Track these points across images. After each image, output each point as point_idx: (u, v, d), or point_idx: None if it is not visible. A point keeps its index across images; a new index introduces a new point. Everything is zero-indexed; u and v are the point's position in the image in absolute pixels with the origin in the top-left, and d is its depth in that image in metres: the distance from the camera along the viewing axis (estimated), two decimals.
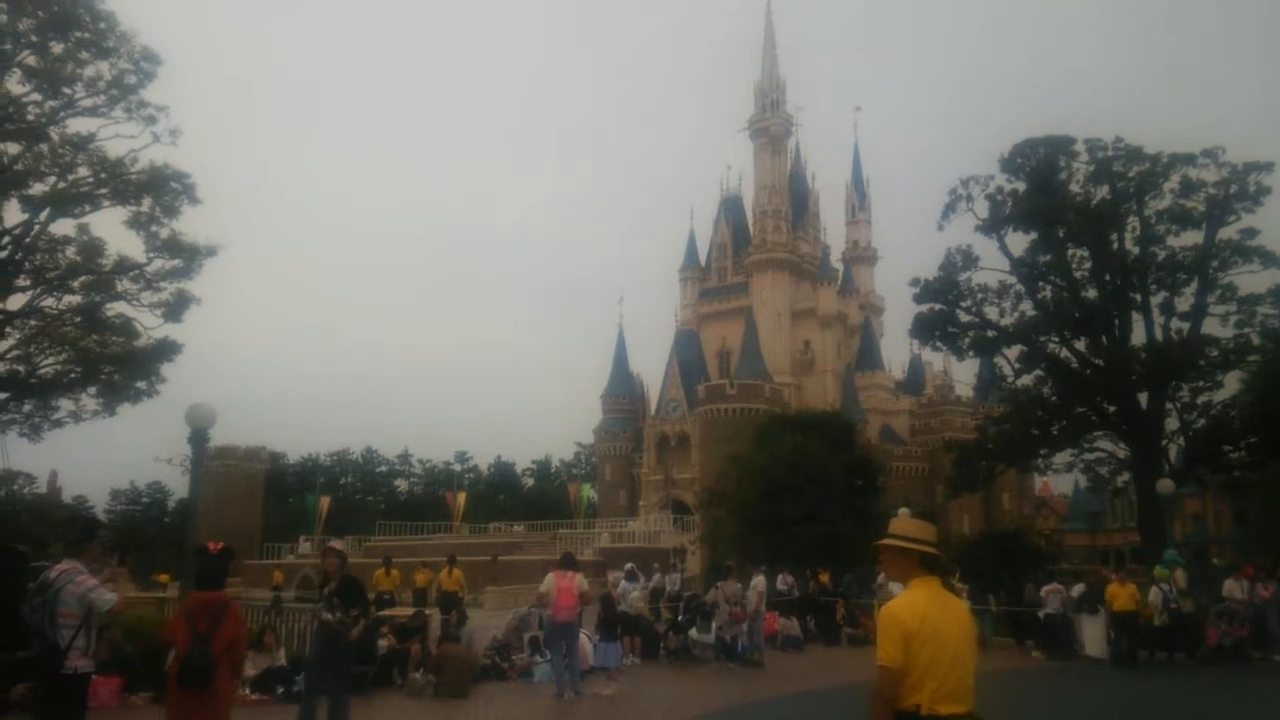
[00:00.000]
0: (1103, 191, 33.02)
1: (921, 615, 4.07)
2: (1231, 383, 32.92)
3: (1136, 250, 32.70)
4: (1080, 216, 32.09)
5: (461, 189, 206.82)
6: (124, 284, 26.99)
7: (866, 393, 78.38)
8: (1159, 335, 32.30)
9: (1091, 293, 33.11)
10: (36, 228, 25.59)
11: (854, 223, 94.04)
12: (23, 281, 25.99)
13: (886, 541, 4.40)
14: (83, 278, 26.48)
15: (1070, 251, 33.25)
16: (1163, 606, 18.81)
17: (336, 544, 10.89)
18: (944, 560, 4.37)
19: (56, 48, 24.59)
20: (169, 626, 7.20)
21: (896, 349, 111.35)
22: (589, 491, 77.80)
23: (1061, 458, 37.13)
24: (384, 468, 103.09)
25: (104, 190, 25.97)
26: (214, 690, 6.68)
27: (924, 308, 35.00)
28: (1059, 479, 76.17)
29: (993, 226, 33.90)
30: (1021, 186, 33.60)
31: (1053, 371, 33.77)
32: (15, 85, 24.75)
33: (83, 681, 6.65)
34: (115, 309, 27.50)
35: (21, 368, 26.77)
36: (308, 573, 53.73)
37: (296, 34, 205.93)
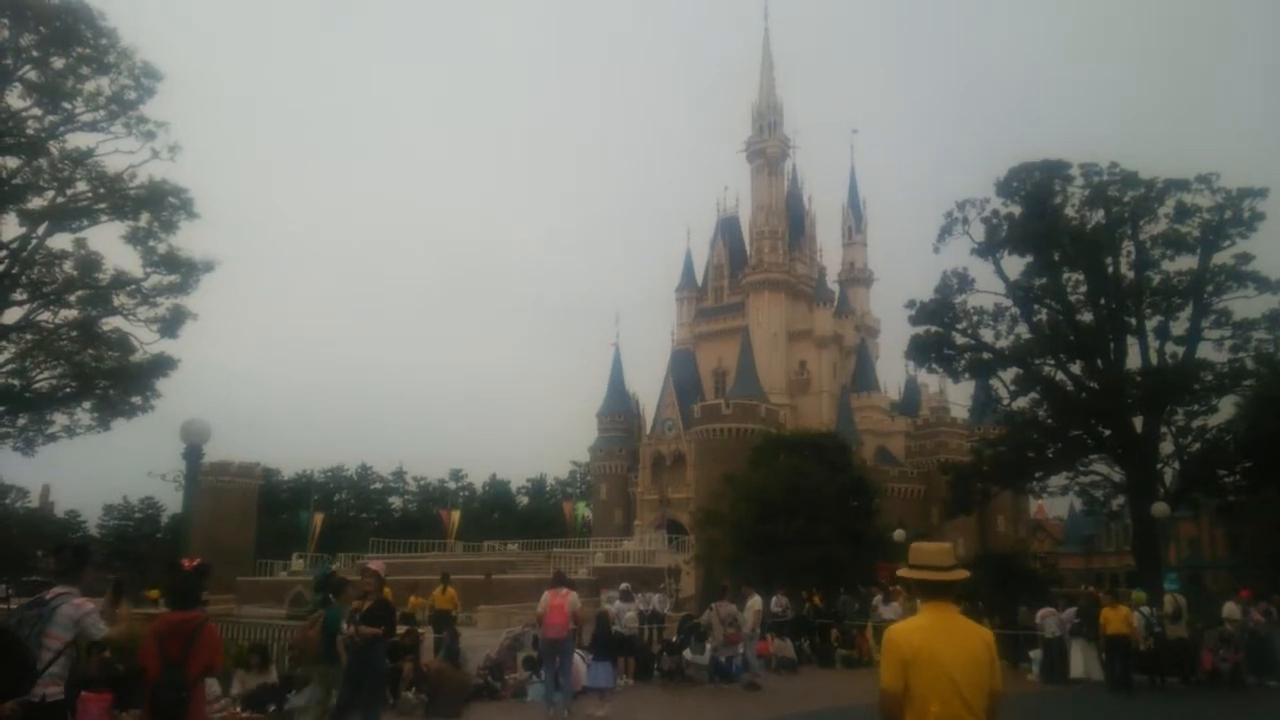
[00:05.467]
0: (1098, 216, 33.17)
1: (919, 641, 4.09)
2: (1226, 407, 32.99)
3: (1131, 274, 32.81)
4: (1075, 240, 32.23)
5: (460, 207, 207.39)
6: (121, 299, 26.96)
7: (862, 414, 78.40)
8: (1154, 359, 32.36)
9: (1087, 316, 33.21)
10: (34, 242, 25.59)
11: (850, 244, 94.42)
12: (19, 295, 25.96)
13: (900, 573, 4.56)
14: (79, 292, 26.46)
15: (1066, 275, 33.36)
16: (1146, 631, 18.79)
17: (375, 565, 10.71)
18: (946, 584, 4.32)
19: (57, 63, 24.67)
20: (141, 650, 6.64)
21: (892, 370, 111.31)
22: (584, 510, 77.63)
23: (1057, 480, 37.12)
24: (378, 485, 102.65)
25: (102, 205, 26.00)
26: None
27: (920, 330, 35.07)
28: (1054, 502, 76.39)
29: (988, 250, 34.03)
30: (1017, 210, 33.73)
31: (1048, 394, 33.81)
32: (15, 100, 24.81)
33: (54, 710, 6.18)
34: (111, 324, 27.47)
35: (17, 381, 26.68)
36: (300, 590, 53.50)
37: (299, 50, 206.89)
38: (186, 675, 6.36)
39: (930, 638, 4.12)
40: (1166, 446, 33.20)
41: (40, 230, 25.53)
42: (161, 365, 27.68)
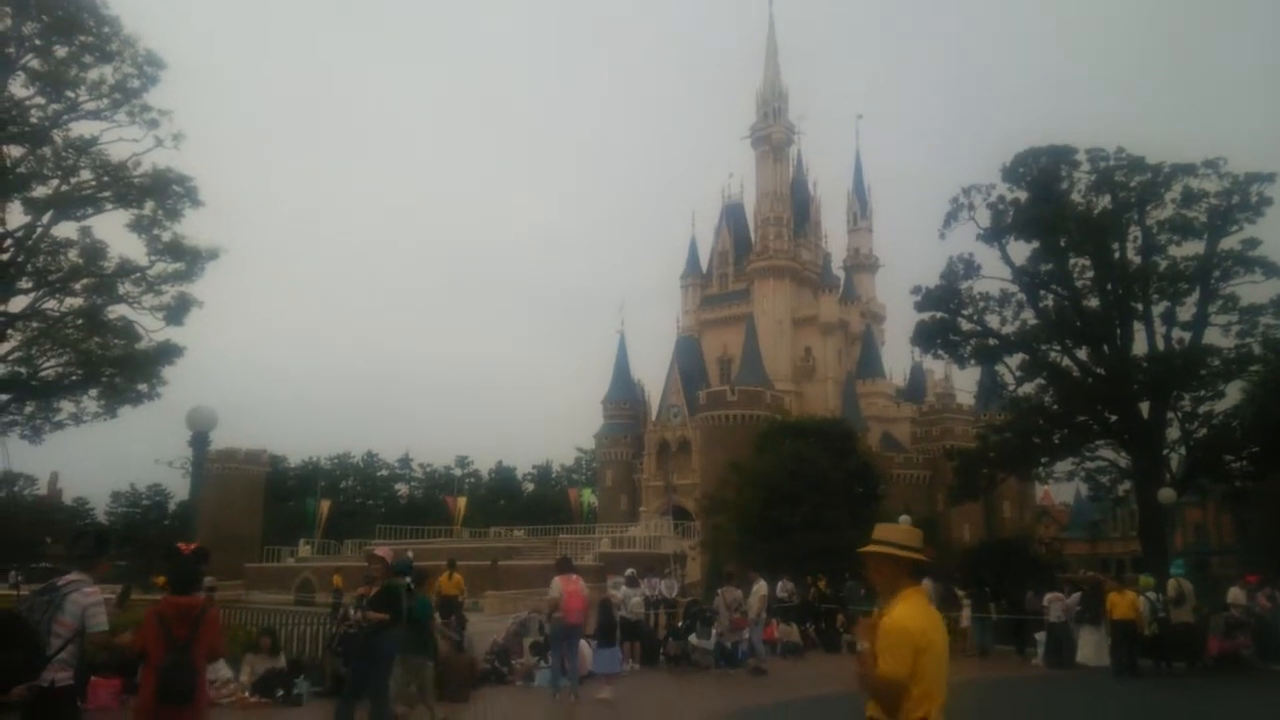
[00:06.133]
0: (1104, 201, 33.03)
1: (924, 628, 4.01)
2: (1233, 393, 32.89)
3: (1138, 260, 32.69)
4: (1082, 226, 32.10)
5: (465, 196, 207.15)
6: (126, 287, 26.95)
7: (867, 400, 78.39)
8: (1160, 345, 32.28)
9: (1093, 302, 33.10)
10: (39, 230, 25.59)
11: (855, 230, 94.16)
12: (25, 284, 25.97)
13: (877, 549, 4.22)
14: (85, 280, 26.46)
15: (1072, 261, 33.24)
16: (1150, 616, 18.82)
17: (382, 551, 10.68)
18: (932, 567, 4.32)
19: (60, 51, 24.60)
20: (140, 633, 6.53)
21: (898, 357, 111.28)
22: (590, 496, 77.82)
23: (1063, 466, 37.03)
24: (385, 472, 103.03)
25: (106, 193, 25.96)
26: (195, 704, 6.33)
27: (925, 315, 35.00)
28: (1060, 487, 76.39)
29: (994, 235, 33.90)
30: (1023, 195, 33.60)
31: (1054, 380, 33.74)
32: (19, 88, 24.76)
33: (63, 694, 6.16)
34: (117, 312, 27.45)
35: (23, 370, 26.73)
36: (307, 576, 53.76)
37: (302, 40, 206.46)
38: (193, 659, 6.35)
39: (930, 624, 4.05)
40: (1173, 432, 33.15)
41: (45, 219, 25.52)
42: (167, 353, 27.69)
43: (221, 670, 13.39)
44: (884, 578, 4.21)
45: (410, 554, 13.19)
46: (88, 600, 6.27)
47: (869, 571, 4.34)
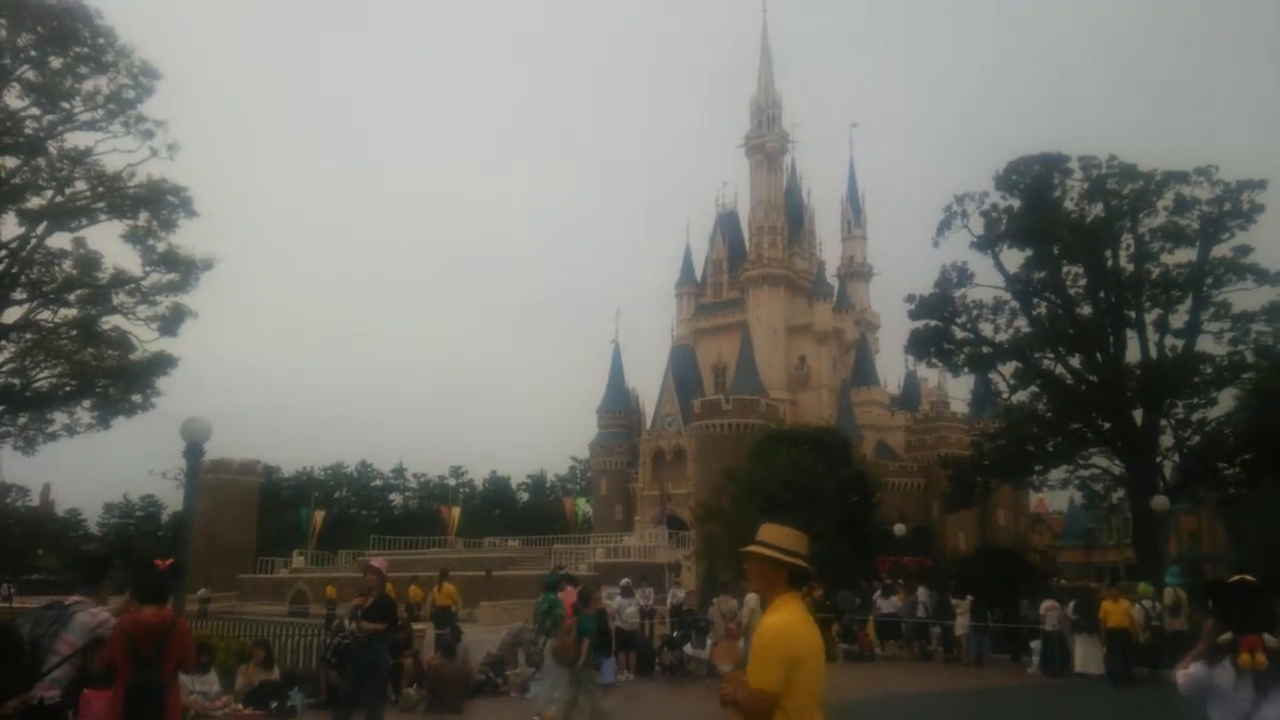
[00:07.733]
0: (1097, 209, 33.16)
1: (800, 637, 3.76)
2: (1226, 400, 33.01)
3: (1131, 267, 32.82)
4: (1074, 234, 32.23)
5: (458, 204, 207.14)
6: (120, 297, 26.97)
7: (862, 408, 78.41)
8: (1153, 352, 32.39)
9: (1086, 309, 33.23)
10: (34, 241, 25.60)
11: (850, 239, 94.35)
12: (19, 295, 25.98)
13: (755, 550, 3.96)
14: (79, 291, 26.46)
15: (1065, 268, 33.38)
16: (1145, 624, 18.84)
17: (377, 562, 10.72)
18: (813, 574, 4.13)
19: (55, 62, 24.66)
20: (109, 648, 6.40)
21: (892, 365, 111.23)
22: (584, 506, 77.64)
23: (1057, 474, 37.16)
24: (379, 482, 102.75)
25: (101, 204, 26.00)
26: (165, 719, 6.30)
27: (919, 324, 35.10)
28: (1054, 495, 76.27)
29: (988, 243, 34.03)
30: (1016, 204, 33.74)
31: (1048, 388, 33.85)
32: (14, 99, 24.82)
33: (51, 713, 6.18)
34: (111, 322, 27.49)
35: (17, 381, 26.72)
36: (301, 587, 53.61)
37: (295, 47, 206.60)
38: (162, 674, 6.32)
39: (808, 634, 3.80)
40: (1166, 440, 33.26)
41: (39, 229, 25.54)
42: (161, 363, 27.70)
43: (213, 684, 13.35)
44: (761, 582, 3.93)
45: (563, 568, 13.90)
46: (95, 620, 6.34)
47: (747, 574, 4.05)
